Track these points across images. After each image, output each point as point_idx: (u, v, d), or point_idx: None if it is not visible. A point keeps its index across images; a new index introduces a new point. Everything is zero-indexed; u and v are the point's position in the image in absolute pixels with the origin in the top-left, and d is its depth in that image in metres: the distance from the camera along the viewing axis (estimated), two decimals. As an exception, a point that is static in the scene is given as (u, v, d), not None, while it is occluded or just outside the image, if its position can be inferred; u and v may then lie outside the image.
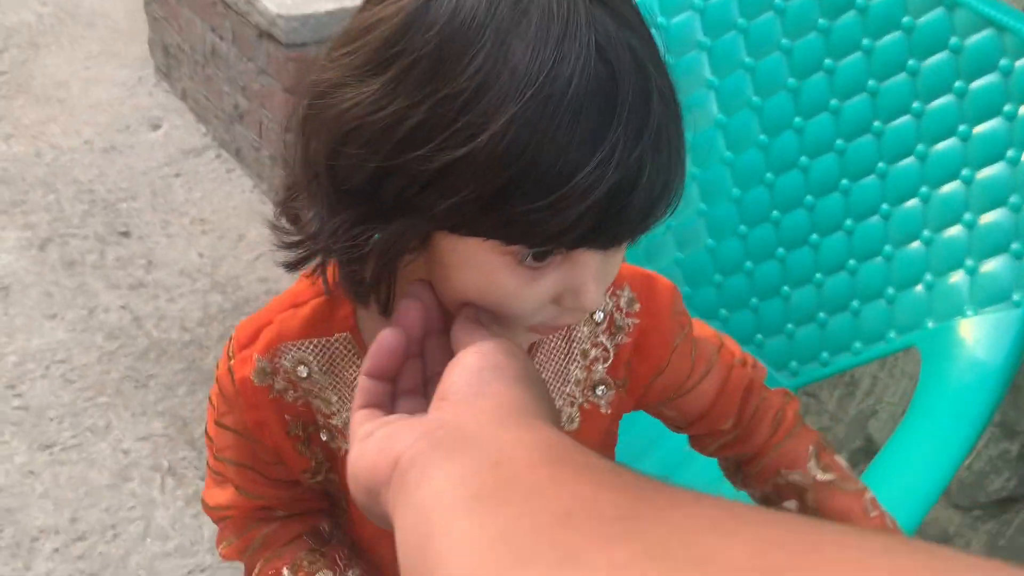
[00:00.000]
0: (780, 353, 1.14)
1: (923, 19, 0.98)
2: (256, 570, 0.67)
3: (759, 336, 1.16)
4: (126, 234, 1.97)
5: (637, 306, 0.63)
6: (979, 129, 0.95)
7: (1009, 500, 1.37)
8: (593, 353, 0.63)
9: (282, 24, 1.77)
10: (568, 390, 0.62)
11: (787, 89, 1.08)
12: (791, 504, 0.70)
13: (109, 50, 2.56)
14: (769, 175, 1.12)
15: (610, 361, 0.63)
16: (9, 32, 2.58)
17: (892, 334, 1.01)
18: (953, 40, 0.96)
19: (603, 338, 0.63)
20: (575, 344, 0.62)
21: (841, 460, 0.70)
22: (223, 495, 0.68)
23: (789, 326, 1.13)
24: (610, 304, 0.63)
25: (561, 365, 0.62)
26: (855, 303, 1.05)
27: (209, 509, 0.70)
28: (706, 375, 0.68)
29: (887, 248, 1.02)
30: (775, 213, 1.12)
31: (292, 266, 0.54)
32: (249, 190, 2.12)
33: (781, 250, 1.12)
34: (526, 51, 0.41)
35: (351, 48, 0.46)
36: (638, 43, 0.44)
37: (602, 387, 0.63)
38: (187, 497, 1.49)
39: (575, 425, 0.63)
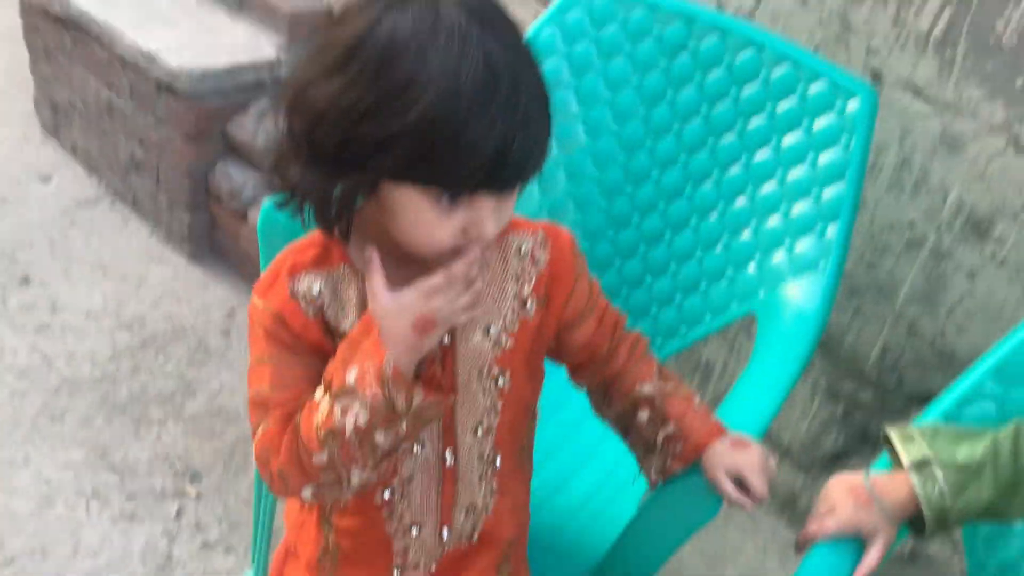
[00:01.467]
0: (647, 332, 1.37)
1: (712, 73, 1.25)
2: (300, 432, 0.77)
3: (630, 320, 1.39)
4: (26, 281, 2.03)
5: (548, 244, 0.86)
6: (787, 141, 1.23)
7: (841, 454, 1.65)
8: (525, 274, 0.85)
9: (185, 78, 1.91)
10: (507, 304, 0.84)
11: (639, 117, 1.33)
12: (644, 413, 0.92)
13: (-10, 110, 2.60)
14: (628, 188, 1.36)
15: (533, 282, 0.85)
16: None
17: (734, 305, 1.26)
18: (764, 72, 1.24)
19: (527, 266, 0.85)
20: (509, 270, 0.84)
21: (674, 375, 0.94)
22: (265, 431, 0.79)
23: (653, 309, 1.36)
24: (530, 242, 0.85)
25: (500, 285, 0.84)
26: (703, 284, 1.30)
27: (257, 456, 0.81)
28: (591, 311, 0.90)
29: (725, 238, 1.28)
30: (635, 217, 1.36)
31: (281, 206, 0.76)
32: (147, 236, 2.22)
33: (643, 247, 1.36)
34: (436, 59, 0.65)
35: (320, 55, 0.69)
36: (512, 56, 0.68)
37: (530, 301, 0.85)
38: (113, 516, 1.57)
39: (515, 328, 0.84)
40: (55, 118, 2.45)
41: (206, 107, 1.99)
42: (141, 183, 2.20)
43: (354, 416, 0.73)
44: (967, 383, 0.97)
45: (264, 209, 1.04)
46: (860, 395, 1.56)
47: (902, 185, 1.38)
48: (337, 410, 0.74)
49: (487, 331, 0.83)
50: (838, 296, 1.35)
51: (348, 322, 0.78)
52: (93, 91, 2.22)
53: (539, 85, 0.71)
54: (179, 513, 1.60)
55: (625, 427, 0.96)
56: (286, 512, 0.98)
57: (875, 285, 1.46)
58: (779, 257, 1.22)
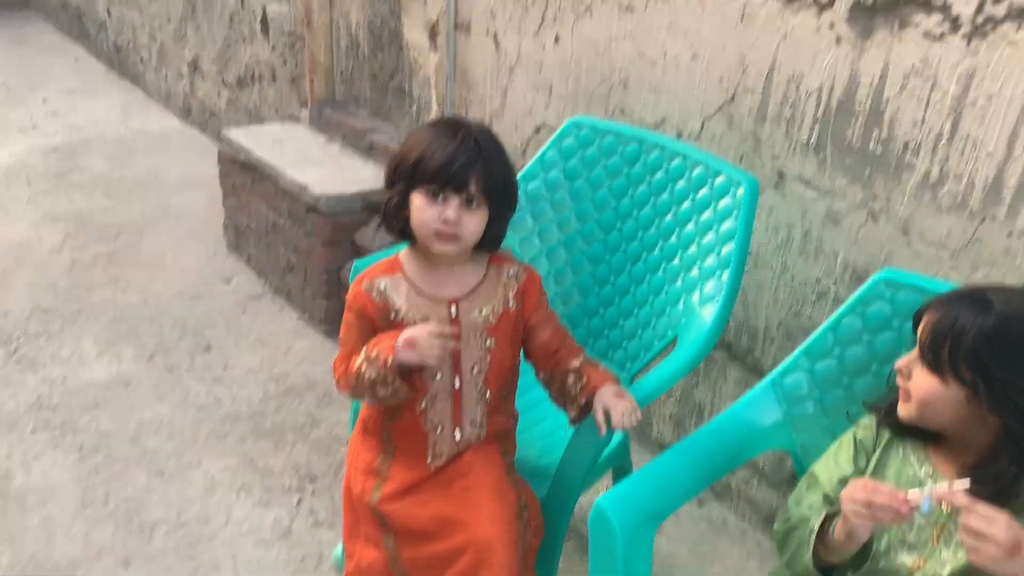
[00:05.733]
0: (621, 359, 1.90)
1: (656, 175, 1.82)
2: (349, 366, 1.42)
3: (613, 345, 1.92)
4: (208, 348, 2.78)
5: (526, 273, 1.49)
6: (703, 216, 1.77)
7: (800, 473, 2.05)
8: (508, 286, 1.48)
9: (324, 201, 2.67)
10: (499, 301, 1.47)
11: (612, 208, 1.91)
12: (571, 377, 1.47)
13: (193, 234, 3.50)
14: (589, 266, 1.93)
15: (514, 290, 1.48)
16: (123, 223, 3.54)
17: (669, 332, 1.77)
18: (687, 173, 1.80)
19: (512, 282, 1.48)
20: (501, 282, 1.48)
21: (595, 360, 1.50)
22: (337, 359, 1.46)
23: (624, 343, 1.89)
24: (516, 269, 1.49)
25: (495, 289, 1.47)
26: (653, 320, 1.83)
27: (333, 369, 1.48)
28: (551, 320, 1.51)
29: (665, 286, 1.81)
30: (610, 276, 1.92)
31: (381, 226, 1.46)
32: (295, 320, 2.95)
33: (617, 298, 1.91)
34: (436, 144, 1.34)
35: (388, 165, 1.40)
36: (487, 146, 1.36)
37: (512, 300, 1.47)
38: (254, 502, 2.20)
39: (500, 312, 1.47)
40: (237, 238, 3.29)
41: (339, 222, 2.73)
42: (294, 280, 2.96)
43: (368, 373, 1.38)
44: (789, 361, 1.47)
45: (354, 265, 1.71)
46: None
47: (807, 252, 1.87)
48: (363, 366, 1.38)
49: (481, 311, 1.46)
50: (780, 340, 1.86)
51: (399, 302, 1.44)
52: (264, 215, 3.03)
53: (498, 159, 1.39)
54: (299, 502, 2.21)
55: (557, 388, 1.51)
56: (349, 445, 1.59)
57: (802, 328, 1.93)
58: (695, 296, 1.74)
